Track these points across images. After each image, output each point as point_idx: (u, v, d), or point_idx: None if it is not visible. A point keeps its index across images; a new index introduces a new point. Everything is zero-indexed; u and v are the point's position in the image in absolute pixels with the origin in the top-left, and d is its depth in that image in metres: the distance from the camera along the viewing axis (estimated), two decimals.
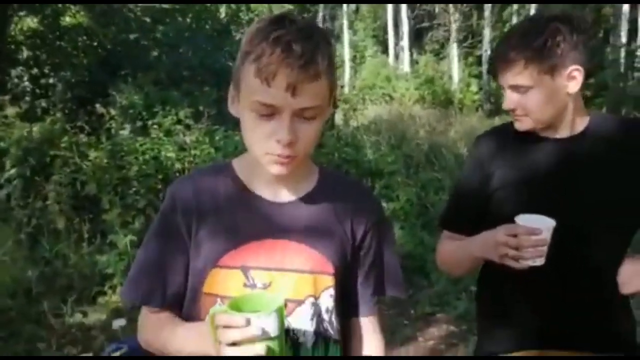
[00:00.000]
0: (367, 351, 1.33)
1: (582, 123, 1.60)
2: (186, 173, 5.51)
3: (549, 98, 1.52)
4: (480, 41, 21.25)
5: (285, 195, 1.24)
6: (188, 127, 6.54)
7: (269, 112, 1.09)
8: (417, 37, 24.26)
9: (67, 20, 8.35)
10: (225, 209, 1.21)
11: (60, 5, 8.20)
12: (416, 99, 17.84)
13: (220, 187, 1.23)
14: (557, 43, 1.48)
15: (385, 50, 23.61)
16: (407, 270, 5.02)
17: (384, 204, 5.79)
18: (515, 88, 1.54)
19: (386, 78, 19.89)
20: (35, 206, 4.71)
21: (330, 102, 1.17)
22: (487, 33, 20.07)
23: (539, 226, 1.41)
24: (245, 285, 1.17)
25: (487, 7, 20.21)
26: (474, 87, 20.17)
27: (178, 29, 8.92)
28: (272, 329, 0.98)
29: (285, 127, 1.08)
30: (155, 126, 6.47)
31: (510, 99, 1.56)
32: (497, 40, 1.62)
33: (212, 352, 1.05)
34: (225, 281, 1.17)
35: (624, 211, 1.56)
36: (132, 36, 7.82)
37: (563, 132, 1.59)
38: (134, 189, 5.22)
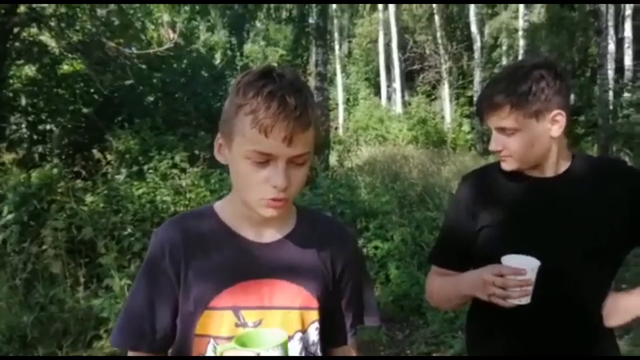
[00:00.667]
0: None
1: (565, 164, 1.67)
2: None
3: (533, 140, 1.59)
4: (471, 82, 21.60)
5: (268, 236, 1.30)
6: (184, 170, 6.61)
7: (265, 160, 1.16)
8: (409, 79, 24.63)
9: (64, 68, 8.49)
10: (212, 252, 1.26)
11: (57, 53, 8.35)
12: (409, 140, 18.05)
13: (205, 231, 1.29)
14: (542, 89, 1.55)
15: (377, 93, 23.93)
16: (403, 309, 5.06)
17: (379, 244, 5.84)
18: (501, 130, 1.61)
19: (379, 119, 20.13)
20: (31, 251, 4.72)
21: (315, 147, 1.25)
22: (477, 74, 20.41)
23: (524, 267, 1.45)
24: (236, 325, 1.22)
25: (477, 48, 20.59)
26: (466, 127, 20.43)
27: (174, 75, 9.08)
28: None
29: (281, 173, 1.16)
30: (151, 170, 6.55)
31: (497, 140, 1.62)
32: (485, 83, 1.69)
33: None
34: (217, 322, 1.22)
35: (606, 249, 1.61)
36: (128, 82, 7.95)
37: (548, 172, 1.66)
38: (129, 232, 5.26)
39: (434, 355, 4.32)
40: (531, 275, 1.46)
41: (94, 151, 6.35)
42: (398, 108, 22.02)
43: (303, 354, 1.26)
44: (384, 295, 5.13)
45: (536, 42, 20.17)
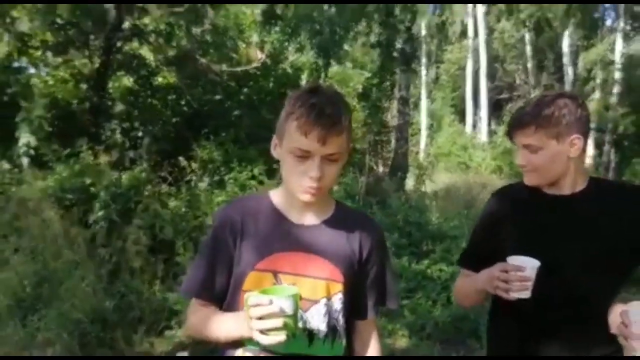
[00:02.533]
0: (367, 348, 1.69)
1: (582, 184, 1.87)
2: None
3: (553, 159, 1.81)
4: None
5: (309, 220, 1.62)
6: (261, 182, 6.98)
7: (305, 156, 1.49)
8: (497, 108, 24.32)
9: (159, 80, 9.11)
10: (263, 228, 1.59)
11: (153, 66, 8.99)
12: (493, 169, 17.81)
13: (260, 211, 1.63)
14: (563, 115, 1.79)
15: (462, 120, 23.76)
16: (461, 332, 5.11)
17: (444, 267, 5.94)
18: (527, 147, 1.83)
19: (463, 147, 19.97)
20: (117, 246, 5.16)
21: (348, 150, 1.58)
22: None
23: (524, 265, 1.68)
24: (274, 284, 1.54)
25: (568, 81, 20.13)
26: None
27: (260, 92, 9.53)
28: (289, 309, 1.34)
29: (316, 167, 1.49)
30: (231, 180, 6.95)
31: (522, 156, 1.85)
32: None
33: (244, 333, 1.44)
34: (260, 281, 1.54)
35: (609, 262, 1.79)
36: (217, 97, 8.46)
37: (565, 190, 1.86)
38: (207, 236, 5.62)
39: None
40: (530, 273, 1.68)
41: (180, 159, 6.81)
42: (483, 136, 21.76)
43: (327, 317, 1.55)
44: (443, 316, 5.20)
45: (633, 76, 19.50)
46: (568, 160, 1.82)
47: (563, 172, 1.83)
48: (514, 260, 1.72)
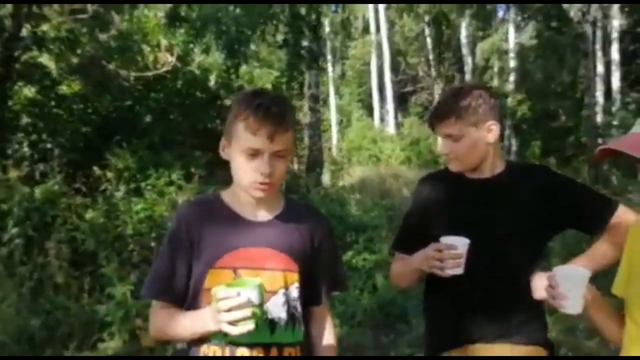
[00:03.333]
0: (323, 331, 1.81)
1: (500, 167, 2.08)
2: None
3: (474, 145, 2.00)
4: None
5: (262, 216, 1.72)
6: (180, 187, 6.90)
7: (254, 153, 1.59)
8: (402, 101, 25.07)
9: (63, 89, 8.78)
10: (219, 226, 1.68)
11: (56, 75, 8.66)
12: (402, 160, 18.35)
13: (214, 210, 1.71)
14: (479, 104, 1.98)
15: (371, 114, 24.32)
16: (389, 316, 5.33)
17: (367, 256, 6.14)
18: (449, 137, 2.01)
19: (372, 140, 20.45)
20: (37, 262, 4.99)
21: (294, 147, 1.70)
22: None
23: (456, 243, 1.85)
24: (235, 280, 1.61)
25: (468, 70, 21.05)
26: None
27: (169, 95, 9.38)
28: (255, 298, 1.43)
29: (266, 163, 1.59)
30: (149, 187, 6.83)
31: (445, 145, 2.03)
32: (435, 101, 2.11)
33: (210, 328, 1.52)
34: (220, 278, 1.59)
35: (527, 235, 2.00)
36: (126, 103, 8.27)
37: (486, 174, 2.06)
38: (130, 246, 5.53)
39: (417, 354, 4.58)
40: (462, 250, 1.85)
41: (95, 169, 6.63)
42: (391, 129, 22.37)
43: (286, 306, 1.65)
44: (371, 303, 5.40)
45: (526, 64, 20.66)
46: (487, 146, 2.01)
47: (483, 156, 2.01)
48: (447, 240, 1.87)
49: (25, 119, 7.91)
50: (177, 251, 1.67)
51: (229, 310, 1.42)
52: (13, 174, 6.19)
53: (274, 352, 1.63)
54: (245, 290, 1.42)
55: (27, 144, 7.23)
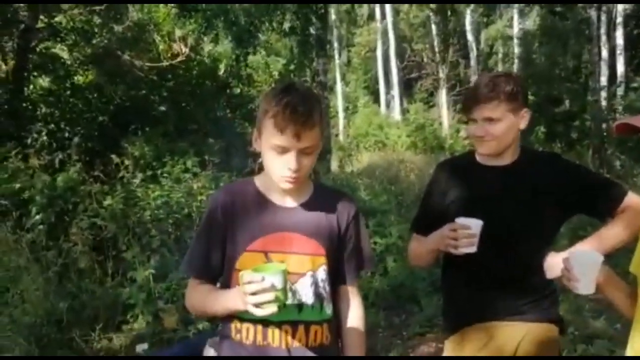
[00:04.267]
0: (352, 310, 1.90)
1: (517, 153, 2.20)
2: (194, 217, 6.07)
3: (509, 130, 2.11)
4: (468, 89, 22.01)
5: (291, 203, 1.82)
6: (195, 174, 7.08)
7: (282, 150, 1.68)
8: (407, 87, 25.14)
9: (79, 79, 8.96)
10: (251, 211, 1.80)
11: (70, 65, 8.83)
12: (408, 146, 18.48)
13: (247, 196, 1.82)
14: (518, 91, 2.11)
15: (376, 100, 24.43)
16: (400, 298, 5.51)
17: (378, 240, 6.30)
18: (487, 119, 2.10)
19: (378, 126, 20.61)
20: (62, 247, 5.19)
21: (321, 141, 1.76)
22: (474, 80, 20.83)
23: (469, 223, 2.00)
24: (265, 263, 1.72)
25: (473, 56, 21.10)
26: (463, 133, 20.85)
27: (182, 85, 9.56)
28: (279, 283, 1.53)
29: (293, 160, 1.68)
30: (165, 175, 7.02)
31: (481, 128, 2.12)
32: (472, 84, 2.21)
33: (240, 307, 1.61)
34: (252, 261, 1.72)
35: (543, 220, 2.14)
36: (141, 93, 8.46)
37: (506, 160, 2.19)
38: (149, 231, 5.71)
39: (427, 336, 4.77)
40: (476, 230, 1.99)
41: (112, 156, 6.82)
42: (397, 115, 22.53)
43: (313, 287, 1.77)
44: (382, 285, 5.58)
45: (530, 50, 20.69)
46: (517, 132, 2.14)
47: (512, 142, 2.14)
48: (461, 220, 2.01)
49: (43, 109, 8.09)
50: (213, 233, 1.79)
51: (254, 293, 1.52)
52: (34, 162, 6.39)
53: (300, 330, 1.75)
54: (269, 275, 1.52)
55: (45, 133, 7.40)
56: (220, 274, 1.82)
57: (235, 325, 1.78)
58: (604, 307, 4.65)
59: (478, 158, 2.24)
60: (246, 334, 1.76)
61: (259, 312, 1.54)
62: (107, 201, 6.13)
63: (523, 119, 2.13)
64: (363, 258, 1.93)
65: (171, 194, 6.53)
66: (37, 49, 8.25)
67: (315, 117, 1.68)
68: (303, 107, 1.64)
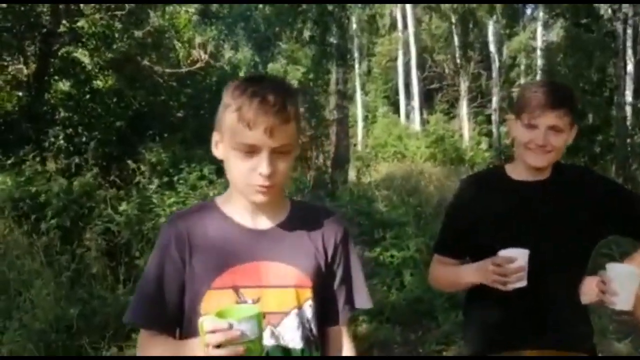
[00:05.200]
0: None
1: (550, 169, 2.01)
2: None
3: (566, 142, 1.93)
4: (489, 101, 21.88)
5: (264, 224, 1.46)
6: (211, 182, 7.04)
7: (251, 150, 1.33)
8: (428, 98, 25.01)
9: (98, 83, 8.98)
10: (213, 239, 1.42)
11: (91, 69, 8.86)
12: (427, 157, 18.33)
13: (207, 220, 1.45)
14: (576, 104, 1.96)
15: (396, 111, 24.31)
16: (416, 313, 5.38)
17: (395, 253, 6.19)
18: (552, 128, 1.89)
19: (398, 137, 20.47)
20: (75, 252, 5.15)
21: (298, 142, 1.45)
22: (495, 93, 20.72)
23: (515, 255, 1.79)
24: (237, 302, 1.37)
25: (495, 68, 20.93)
26: (484, 145, 20.68)
27: (201, 92, 9.55)
28: (251, 332, 1.19)
29: (265, 162, 1.33)
30: (181, 181, 6.98)
31: (544, 136, 1.89)
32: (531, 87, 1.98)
33: None
34: (219, 300, 1.35)
35: (581, 239, 1.96)
36: (160, 98, 8.46)
37: (544, 175, 1.99)
38: None
39: (444, 354, 4.64)
40: (522, 262, 1.78)
41: (129, 161, 6.80)
42: (416, 126, 22.38)
43: (300, 329, 1.41)
44: (399, 300, 5.45)
45: (554, 62, 20.45)
46: (565, 146, 1.95)
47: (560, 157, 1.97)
48: (506, 252, 1.80)
49: (62, 113, 8.11)
50: (167, 271, 1.41)
51: (219, 346, 1.18)
52: (51, 166, 6.39)
53: None
54: (239, 322, 1.18)
55: (63, 137, 7.42)
56: (178, 323, 1.44)
57: None
58: (631, 329, 4.49)
59: (510, 172, 2.05)
60: None
61: None
62: (122, 206, 6.11)
63: (572, 133, 1.95)
64: (357, 293, 1.57)
65: (187, 200, 6.49)
66: (59, 53, 8.30)
67: (289, 110, 1.35)
68: (274, 96, 1.32)
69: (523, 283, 1.80)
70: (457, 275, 2.06)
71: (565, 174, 2.02)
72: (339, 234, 1.52)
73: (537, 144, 1.89)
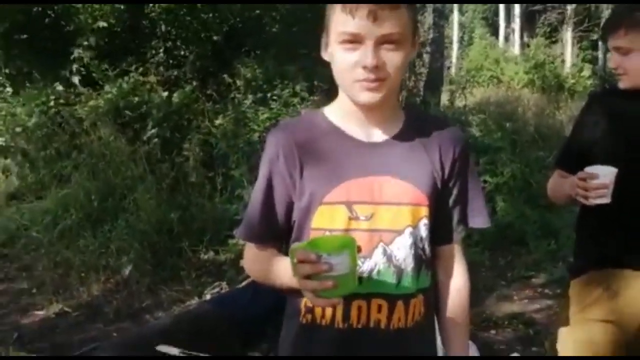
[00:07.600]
0: (456, 278, 1.46)
1: None
2: None
3: None
4: (597, 25, 20.45)
5: (377, 136, 1.35)
6: (303, 99, 7.06)
7: (355, 40, 1.20)
8: (529, 20, 23.66)
9: None
10: (324, 152, 1.33)
11: None
12: (525, 83, 17.54)
13: (316, 132, 1.35)
14: None
15: (494, 33, 23.25)
16: (506, 239, 5.31)
17: (488, 178, 6.06)
18: (617, 49, 1.86)
19: (495, 61, 19.64)
20: (175, 161, 5.39)
21: (414, 40, 1.28)
22: (605, 16, 19.31)
23: (599, 172, 1.80)
24: (349, 218, 1.29)
25: None
26: (586, 72, 19.50)
27: (296, 7, 9.43)
28: (341, 266, 1.09)
29: (369, 52, 1.19)
30: (274, 97, 7.06)
31: (613, 59, 1.89)
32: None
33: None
34: (331, 216, 1.29)
35: None
36: (256, 12, 8.45)
37: None
38: (257, 152, 5.81)
39: (533, 281, 4.58)
40: (605, 180, 1.80)
41: (225, 76, 6.91)
42: (515, 49, 21.38)
43: (413, 248, 1.32)
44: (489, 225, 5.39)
45: None
46: None
47: None
48: (591, 169, 1.81)
49: (162, 26, 8.28)
50: (275, 187, 1.34)
51: (309, 277, 1.12)
52: (152, 78, 6.60)
53: (399, 306, 1.32)
54: (328, 255, 1.09)
55: (162, 50, 7.59)
56: (289, 234, 1.38)
57: (305, 301, 1.33)
58: None
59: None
60: (321, 313, 1.32)
61: (317, 302, 1.16)
62: (219, 120, 6.29)
63: None
64: (474, 210, 1.44)
65: (280, 117, 6.56)
66: None
67: None
68: None
69: (605, 200, 1.82)
70: (561, 187, 2.07)
71: None
72: (457, 148, 1.38)
73: (610, 67, 1.93)
